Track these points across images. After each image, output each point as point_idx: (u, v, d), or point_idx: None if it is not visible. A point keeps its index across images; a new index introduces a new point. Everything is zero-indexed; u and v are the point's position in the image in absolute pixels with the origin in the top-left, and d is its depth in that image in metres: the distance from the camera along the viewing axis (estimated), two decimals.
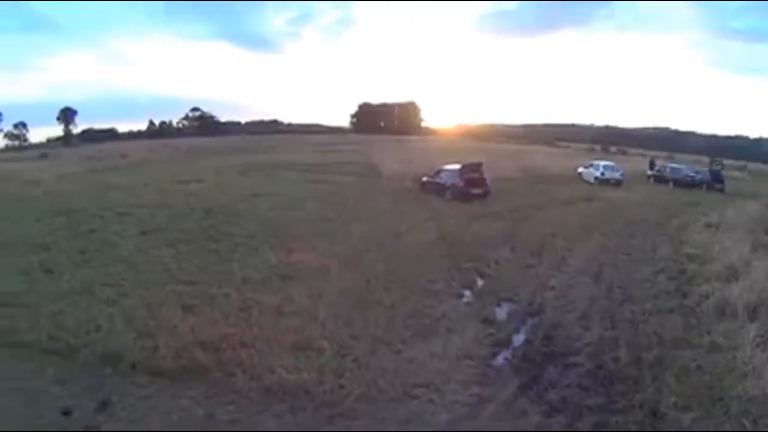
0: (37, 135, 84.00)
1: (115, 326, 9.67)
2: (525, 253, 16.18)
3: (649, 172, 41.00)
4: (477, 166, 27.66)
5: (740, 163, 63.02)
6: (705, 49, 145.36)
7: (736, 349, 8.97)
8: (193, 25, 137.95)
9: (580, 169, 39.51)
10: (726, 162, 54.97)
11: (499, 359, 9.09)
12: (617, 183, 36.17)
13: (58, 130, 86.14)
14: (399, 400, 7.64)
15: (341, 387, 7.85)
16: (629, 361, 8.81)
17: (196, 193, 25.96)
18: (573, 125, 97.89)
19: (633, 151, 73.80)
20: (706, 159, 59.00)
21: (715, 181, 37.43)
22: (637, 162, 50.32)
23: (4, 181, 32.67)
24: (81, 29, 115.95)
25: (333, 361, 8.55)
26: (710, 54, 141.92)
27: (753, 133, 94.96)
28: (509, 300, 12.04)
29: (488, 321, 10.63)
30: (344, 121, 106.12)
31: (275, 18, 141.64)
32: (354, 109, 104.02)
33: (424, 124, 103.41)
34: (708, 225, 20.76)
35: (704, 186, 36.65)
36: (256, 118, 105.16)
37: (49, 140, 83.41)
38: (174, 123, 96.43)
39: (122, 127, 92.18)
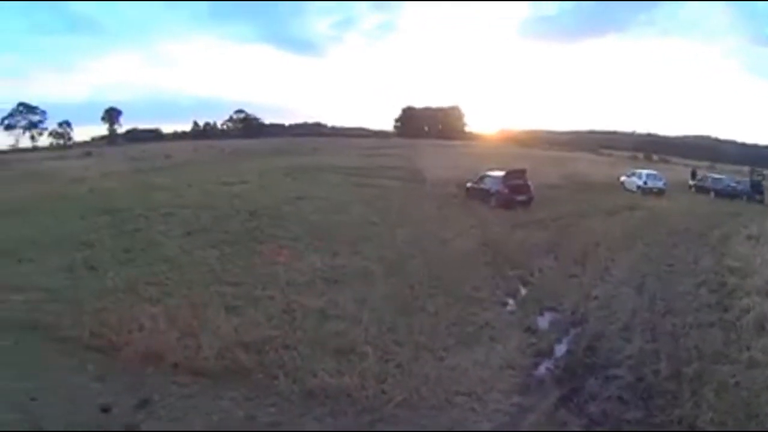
0: (81, 134, 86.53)
1: (158, 325, 9.87)
2: (568, 261, 16.24)
3: (691, 182, 40.49)
4: (521, 173, 27.69)
5: None
6: (742, 56, 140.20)
7: None
8: (236, 27, 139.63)
9: (623, 178, 39.14)
10: (766, 172, 53.22)
11: (541, 369, 9.18)
12: (659, 192, 35.73)
13: (102, 130, 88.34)
14: (440, 408, 7.70)
15: (383, 392, 7.91)
16: (669, 374, 8.81)
17: (240, 194, 26.31)
18: (615, 132, 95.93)
19: (674, 159, 72.36)
20: (745, 169, 57.13)
21: (755, 191, 36.63)
22: (679, 171, 49.42)
23: (48, 179, 33.79)
24: (125, 31, 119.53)
25: (376, 367, 8.61)
26: (747, 61, 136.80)
27: None
28: (552, 309, 12.11)
29: (531, 330, 10.71)
30: (388, 125, 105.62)
31: (318, 22, 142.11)
32: (397, 112, 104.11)
33: (467, 129, 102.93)
34: (749, 237, 20.53)
35: (744, 197, 35.92)
36: (300, 120, 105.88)
37: (93, 139, 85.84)
38: (218, 124, 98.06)
39: (166, 128, 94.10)
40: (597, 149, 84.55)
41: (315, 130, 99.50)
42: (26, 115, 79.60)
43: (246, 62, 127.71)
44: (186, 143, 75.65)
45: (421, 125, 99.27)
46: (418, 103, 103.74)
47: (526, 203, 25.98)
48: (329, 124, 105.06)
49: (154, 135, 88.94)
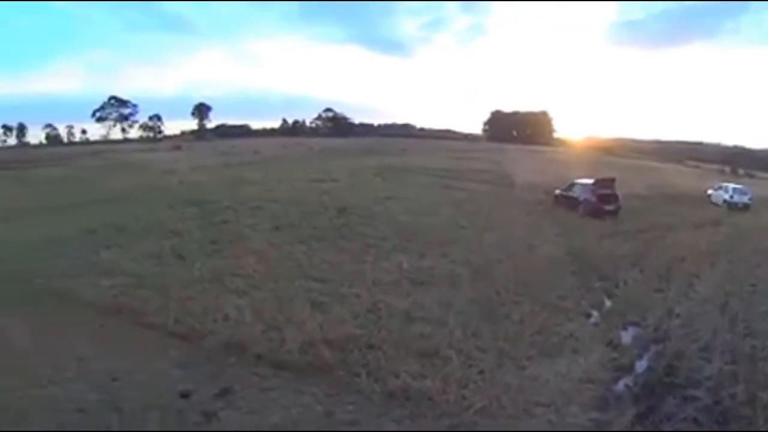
0: (171, 128, 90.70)
1: (243, 317, 10.22)
2: (653, 275, 15.88)
3: None
4: (610, 182, 27.49)
5: None
6: None
7: None
8: (326, 28, 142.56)
9: (710, 191, 38.31)
10: None
11: (620, 385, 9.01)
12: (745, 207, 34.76)
13: (192, 125, 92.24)
14: (518, 418, 7.63)
15: (464, 398, 7.88)
16: (745, 399, 8.55)
17: (329, 192, 26.88)
18: (700, 143, 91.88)
19: (760, 174, 68.49)
20: None
21: None
22: (763, 186, 47.46)
23: (140, 170, 35.75)
24: (216, 29, 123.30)
25: (458, 371, 8.58)
26: None
27: None
28: (635, 324, 11.84)
29: (613, 344, 10.48)
30: (475, 128, 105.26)
31: (407, 23, 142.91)
32: (486, 116, 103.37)
33: (555, 135, 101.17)
34: None
35: None
36: (388, 121, 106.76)
37: (183, 133, 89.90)
38: (307, 122, 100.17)
39: (255, 125, 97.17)
40: (683, 160, 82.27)
41: (404, 130, 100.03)
42: (117, 107, 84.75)
43: (335, 62, 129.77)
44: (274, 140, 77.85)
45: (510, 129, 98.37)
46: (506, 107, 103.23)
47: (614, 213, 25.80)
48: (418, 125, 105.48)
49: (243, 131, 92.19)
